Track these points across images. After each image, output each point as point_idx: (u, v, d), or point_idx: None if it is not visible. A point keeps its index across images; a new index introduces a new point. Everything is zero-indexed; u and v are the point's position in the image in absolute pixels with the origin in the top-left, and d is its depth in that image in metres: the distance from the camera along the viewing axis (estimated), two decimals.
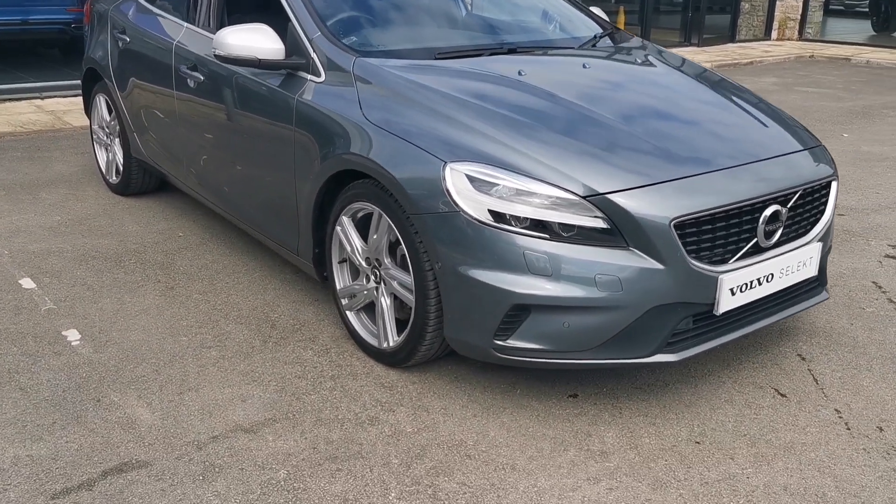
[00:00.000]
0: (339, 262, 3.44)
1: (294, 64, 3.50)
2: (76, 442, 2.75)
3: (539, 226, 2.75)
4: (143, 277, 4.08)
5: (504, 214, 2.76)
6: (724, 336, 2.97)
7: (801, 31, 16.13)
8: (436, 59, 3.51)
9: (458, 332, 2.92)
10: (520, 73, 3.38)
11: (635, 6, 14.06)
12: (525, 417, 2.95)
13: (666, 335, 2.84)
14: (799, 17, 15.99)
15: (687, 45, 14.29)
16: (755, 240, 2.94)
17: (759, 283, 2.95)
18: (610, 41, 4.14)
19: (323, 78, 3.41)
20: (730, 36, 15.39)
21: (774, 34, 15.97)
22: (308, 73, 3.47)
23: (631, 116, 3.14)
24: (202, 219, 4.90)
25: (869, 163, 6.69)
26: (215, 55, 3.55)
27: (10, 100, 8.04)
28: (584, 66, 3.61)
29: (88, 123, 5.72)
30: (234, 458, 2.68)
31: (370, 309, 3.38)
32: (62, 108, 7.77)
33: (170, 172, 4.76)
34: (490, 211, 2.77)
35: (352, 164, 3.15)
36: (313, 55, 3.46)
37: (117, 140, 5.29)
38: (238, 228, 4.56)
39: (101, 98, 5.37)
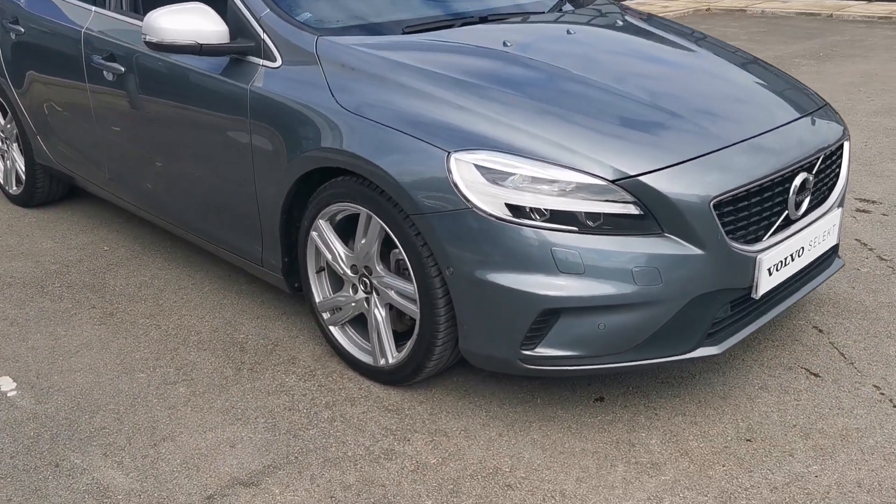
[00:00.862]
0: (317, 272, 3.02)
1: (241, 48, 3.03)
2: None
3: (562, 218, 2.41)
4: (74, 304, 3.54)
5: (523, 208, 2.42)
6: (760, 319, 2.73)
7: None
8: (404, 33, 3.10)
9: (476, 345, 2.57)
10: (505, 45, 3.02)
11: None
12: (556, 431, 2.64)
13: (707, 326, 2.57)
14: None
15: None
16: (786, 212, 2.69)
17: (792, 259, 2.71)
18: (570, 3, 3.81)
19: (279, 62, 2.96)
20: None
21: None
22: (259, 57, 3.01)
23: (640, 87, 2.82)
24: (127, 228, 4.35)
25: None
26: (146, 42, 3.03)
27: None
28: (568, 33, 3.28)
29: None
30: None
31: (358, 321, 2.98)
32: None
33: (86, 178, 4.19)
34: (507, 205, 2.42)
35: (329, 161, 2.74)
36: (264, 36, 3.00)
37: (15, 145, 4.65)
38: (174, 237, 4.05)
39: None
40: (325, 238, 2.89)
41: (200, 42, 2.98)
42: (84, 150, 4.04)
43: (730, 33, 11.14)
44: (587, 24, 3.51)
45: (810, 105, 2.99)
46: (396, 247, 2.71)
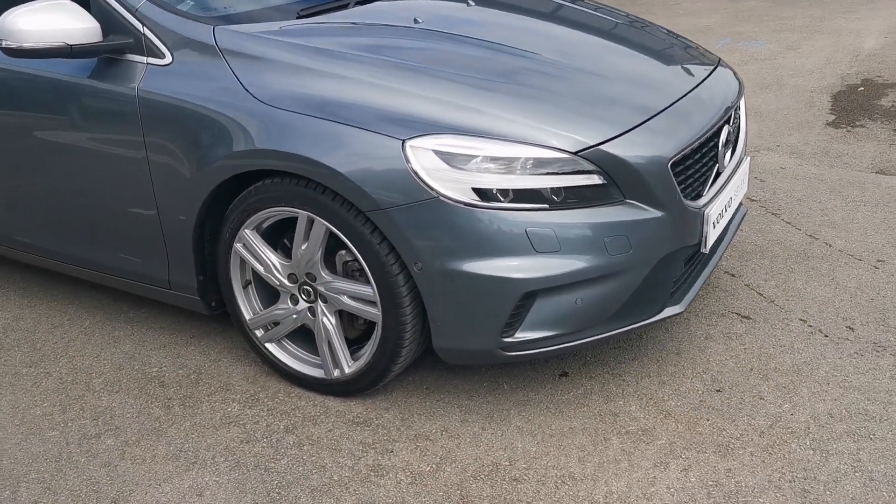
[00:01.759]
0: (243, 287, 2.74)
1: (117, 45, 2.66)
2: None
3: (529, 196, 2.33)
4: None
5: (490, 190, 2.30)
6: (705, 272, 2.80)
7: None
8: (299, 17, 2.85)
9: (452, 341, 2.43)
10: (416, 21, 2.86)
11: None
12: (536, 414, 2.57)
13: (670, 287, 2.60)
14: None
15: None
16: (716, 165, 2.76)
17: (726, 210, 2.79)
18: None
19: (169, 59, 2.62)
20: None
21: None
22: (142, 55, 2.66)
23: (567, 55, 2.78)
24: None
25: None
26: (3, 48, 2.58)
27: None
28: (468, 5, 3.16)
29: None
30: None
31: (296, 334, 2.75)
32: None
33: None
34: (474, 189, 2.30)
35: (255, 164, 2.47)
36: (144, 31, 2.65)
37: None
38: (23, 268, 3.55)
39: None
40: (253, 249, 2.62)
41: (70, 43, 2.58)
42: None
43: None
44: None
45: (712, 62, 3.08)
46: (343, 248, 2.51)
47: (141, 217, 2.77)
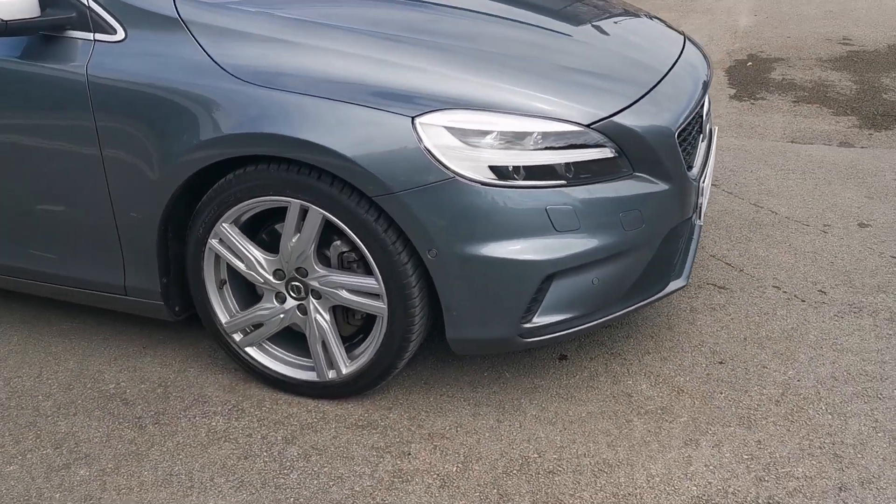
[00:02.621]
0: (219, 288, 2.48)
1: (57, 21, 2.33)
2: None
3: (544, 173, 2.20)
4: None
5: (506, 167, 2.16)
6: (696, 243, 2.76)
7: None
8: None
9: (469, 331, 2.27)
10: None
11: None
12: (549, 402, 2.46)
13: (674, 260, 2.54)
14: None
15: None
16: (701, 135, 2.74)
17: (707, 179, 2.77)
18: None
19: (121, 35, 2.32)
20: None
21: None
22: (86, 31, 2.34)
23: (557, 26, 2.66)
24: None
25: None
26: None
27: None
28: None
29: None
30: None
31: (278, 336, 2.51)
32: None
33: None
34: (491, 167, 2.15)
35: (238, 150, 2.22)
36: (90, 3, 2.33)
37: None
38: None
39: None
40: (232, 244, 2.37)
41: (5, 18, 2.24)
42: None
43: None
44: None
45: (680, 35, 3.04)
46: (338, 239, 2.31)
47: (90, 218, 2.46)
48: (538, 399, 2.46)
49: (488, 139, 2.14)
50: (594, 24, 2.81)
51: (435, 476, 2.17)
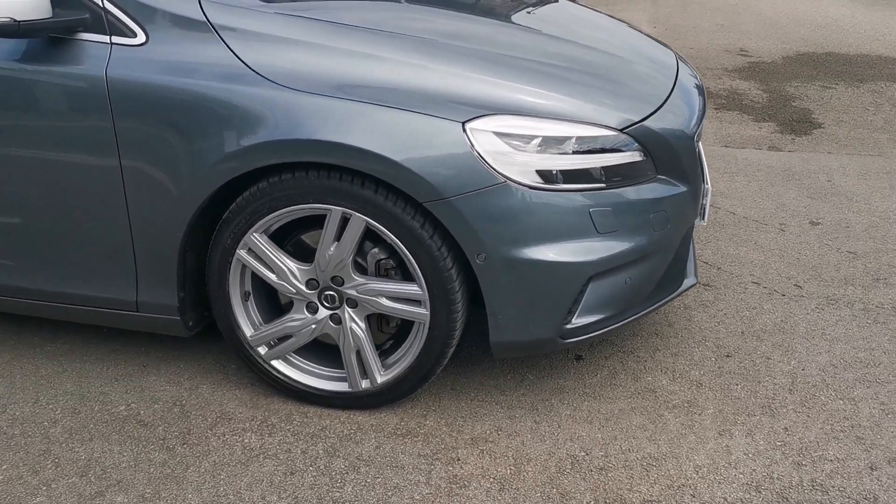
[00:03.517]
0: (244, 300, 2.41)
1: (69, 23, 2.20)
2: None
3: (582, 176, 2.25)
4: None
5: (550, 171, 2.20)
6: (693, 241, 2.88)
7: None
8: None
9: (512, 334, 2.29)
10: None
11: None
12: (581, 400, 2.51)
13: (687, 259, 2.65)
14: None
15: None
16: (699, 140, 2.86)
17: (708, 181, 2.90)
18: None
19: (142, 38, 2.21)
20: None
21: None
22: (102, 33, 2.22)
23: (572, 34, 2.72)
24: None
25: None
26: None
27: None
28: None
29: None
30: None
31: (302, 348, 2.46)
32: None
33: None
34: (537, 171, 2.18)
35: (284, 157, 2.15)
36: (106, 5, 2.22)
37: None
38: None
39: None
40: (263, 254, 2.30)
41: (18, 18, 2.10)
42: None
43: None
44: None
45: (667, 48, 3.16)
46: (374, 246, 2.29)
47: (102, 232, 2.34)
48: (567, 399, 2.50)
49: (534, 144, 2.17)
50: (606, 33, 2.89)
51: (491, 480, 2.17)
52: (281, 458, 2.25)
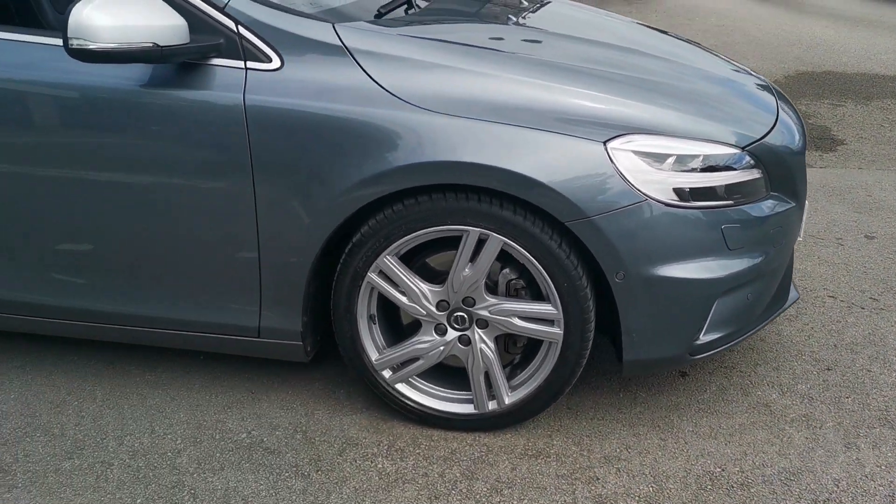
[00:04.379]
0: (370, 323, 2.39)
1: (205, 48, 2.19)
2: None
3: (710, 194, 2.28)
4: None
5: (684, 189, 2.23)
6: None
7: None
8: (379, 15, 2.55)
9: (646, 352, 2.30)
10: (510, 20, 2.68)
11: None
12: (701, 417, 2.53)
13: (791, 274, 2.69)
14: None
15: None
16: None
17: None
18: None
19: (277, 63, 2.21)
20: None
21: None
22: (237, 58, 2.21)
23: (677, 57, 2.76)
24: None
25: None
26: (76, 50, 2.01)
27: None
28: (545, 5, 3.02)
29: None
30: None
31: (424, 372, 2.44)
32: None
33: None
34: (674, 189, 2.21)
35: (424, 179, 2.15)
36: (240, 30, 2.21)
37: None
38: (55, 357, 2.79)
39: None
40: (396, 277, 2.30)
41: (161, 43, 2.08)
42: None
43: None
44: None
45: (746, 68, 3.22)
46: (504, 266, 2.30)
47: (231, 258, 2.31)
48: (685, 415, 2.52)
49: (668, 162, 2.20)
50: (695, 56, 2.93)
51: (637, 498, 2.18)
52: (420, 482, 2.23)
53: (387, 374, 2.42)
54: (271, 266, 2.30)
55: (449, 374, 2.47)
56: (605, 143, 2.15)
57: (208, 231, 2.29)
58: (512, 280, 2.31)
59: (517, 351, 2.42)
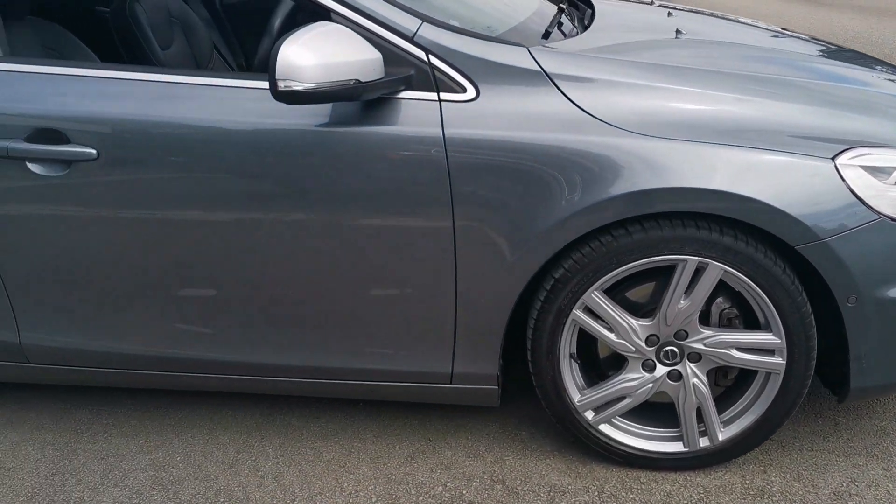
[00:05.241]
0: (572, 363, 2.26)
1: (399, 80, 2.06)
2: None
3: None
4: None
5: None
6: None
7: None
8: (546, 35, 2.42)
9: (875, 378, 2.16)
10: (679, 33, 2.55)
11: None
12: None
13: None
14: None
15: None
16: None
17: None
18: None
19: (472, 93, 2.07)
20: None
21: None
22: (429, 90, 2.07)
23: (818, 63, 2.63)
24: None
25: None
26: (286, 92, 1.87)
27: None
28: (668, 15, 2.89)
29: None
30: None
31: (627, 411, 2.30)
32: None
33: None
34: None
35: (647, 207, 2.01)
36: (432, 60, 2.07)
37: None
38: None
39: None
40: (604, 313, 2.15)
41: (362, 80, 1.95)
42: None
43: None
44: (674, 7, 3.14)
45: None
46: (718, 295, 2.16)
47: (424, 300, 2.17)
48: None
49: (894, 176, 2.06)
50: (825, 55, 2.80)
51: None
52: None
53: (589, 415, 2.28)
54: (468, 308, 2.16)
55: (647, 411, 2.33)
56: (832, 158, 2.01)
57: (402, 273, 2.15)
58: (725, 309, 2.17)
59: (727, 383, 2.28)
